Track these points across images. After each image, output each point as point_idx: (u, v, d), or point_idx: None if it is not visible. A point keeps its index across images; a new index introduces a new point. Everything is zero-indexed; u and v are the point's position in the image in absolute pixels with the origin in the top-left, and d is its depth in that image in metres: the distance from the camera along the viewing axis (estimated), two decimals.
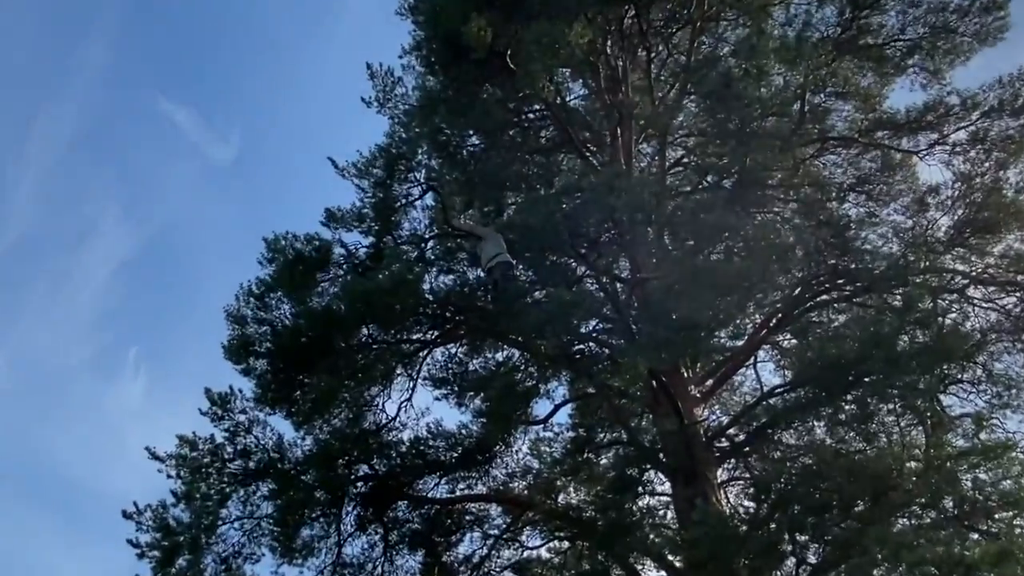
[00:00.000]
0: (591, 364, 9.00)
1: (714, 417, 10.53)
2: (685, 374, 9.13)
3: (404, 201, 10.21)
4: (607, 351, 9.06)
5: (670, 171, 11.16)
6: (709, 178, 10.24)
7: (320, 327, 8.41)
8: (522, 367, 10.75)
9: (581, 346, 9.30)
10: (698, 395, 9.25)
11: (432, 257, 10.35)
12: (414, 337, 9.59)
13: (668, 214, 8.83)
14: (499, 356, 11.23)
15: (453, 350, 10.70)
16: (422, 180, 10.18)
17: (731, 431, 9.64)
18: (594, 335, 9.37)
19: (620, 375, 7.96)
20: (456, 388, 10.54)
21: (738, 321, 8.69)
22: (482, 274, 9.33)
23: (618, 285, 9.91)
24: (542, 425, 10.42)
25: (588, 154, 10.70)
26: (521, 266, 9.79)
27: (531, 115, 11.85)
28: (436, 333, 9.86)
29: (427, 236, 10.41)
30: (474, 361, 10.96)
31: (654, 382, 8.62)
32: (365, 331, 8.91)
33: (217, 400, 8.90)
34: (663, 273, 8.45)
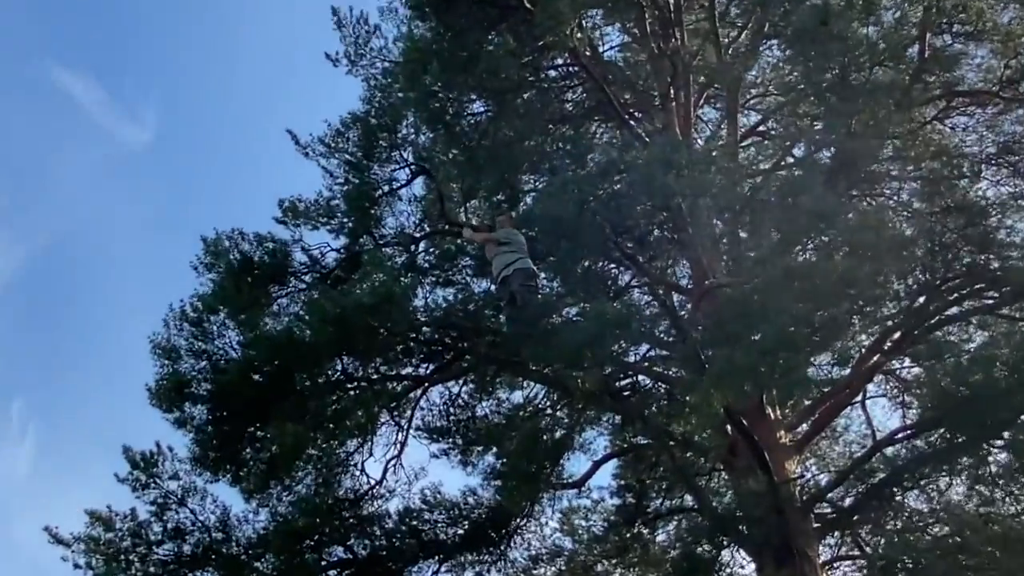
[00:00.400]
0: (644, 404, 9.10)
1: (812, 474, 10.53)
2: (772, 415, 9.11)
3: (387, 188, 10.32)
4: (665, 385, 9.09)
5: (744, 142, 11.20)
6: (798, 150, 10.26)
7: (278, 360, 8.37)
8: (549, 411, 10.93)
9: (629, 379, 9.40)
10: (790, 443, 9.21)
11: (425, 264, 10.44)
12: (403, 372, 9.63)
13: (744, 199, 8.80)
14: (517, 396, 11.40)
15: (455, 389, 10.82)
16: (410, 160, 10.26)
17: (835, 493, 9.56)
18: (647, 364, 9.38)
19: (685, 417, 7.86)
20: (460, 441, 10.68)
21: (842, 342, 8.63)
22: (493, 286, 9.45)
23: (677, 296, 9.91)
24: (577, 489, 10.50)
25: (632, 122, 10.77)
26: (545, 274, 9.86)
27: (554, 72, 12.05)
28: (432, 366, 9.90)
29: (418, 235, 10.49)
30: (483, 404, 11.15)
31: (730, 426, 8.64)
32: (338, 365, 8.89)
33: (139, 462, 8.91)
34: (739, 278, 8.44)
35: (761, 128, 11.85)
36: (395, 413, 10.05)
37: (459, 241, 10.59)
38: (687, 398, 7.94)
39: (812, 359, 8.40)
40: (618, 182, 9.38)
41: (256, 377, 8.54)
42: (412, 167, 10.31)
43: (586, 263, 9.83)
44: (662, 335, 9.40)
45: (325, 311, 8.14)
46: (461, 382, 10.88)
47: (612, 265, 10.34)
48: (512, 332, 9.06)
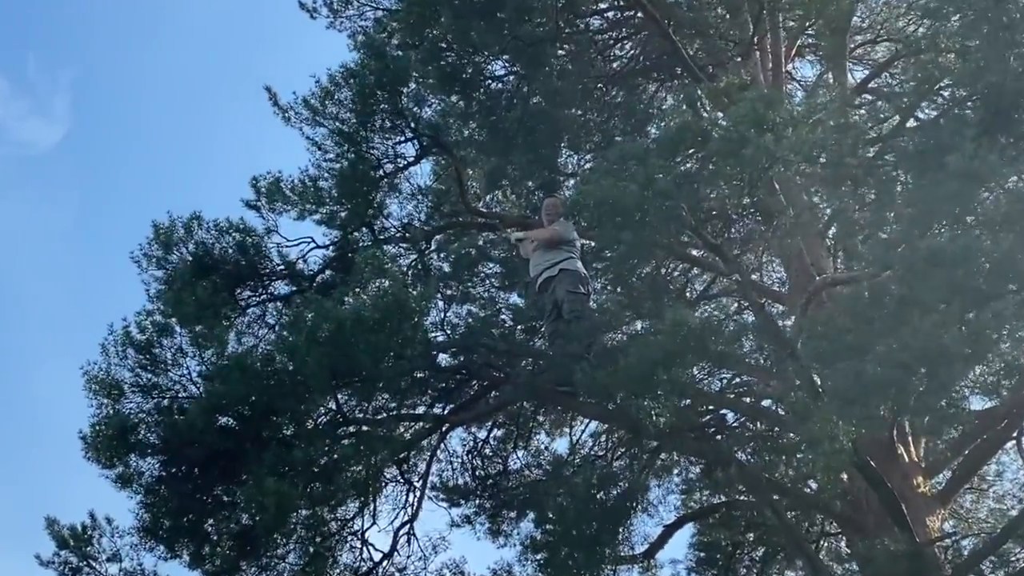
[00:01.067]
0: (736, 445, 8.87)
1: (958, 535, 10.30)
2: (906, 455, 9.00)
3: (390, 167, 10.45)
4: (763, 419, 8.96)
5: (859, 97, 11.23)
6: (934, 103, 10.14)
7: (252, 396, 8.31)
8: (606, 460, 10.96)
9: (715, 412, 9.32)
10: (931, 494, 9.07)
11: (441, 267, 10.62)
12: (415, 412, 9.66)
13: (865, 165, 8.70)
14: (563, 444, 11.61)
15: (481, 434, 10.96)
16: (420, 130, 10.31)
17: (992, 558, 9.37)
18: (739, 390, 9.23)
19: (801, 459, 7.79)
20: (489, 504, 10.76)
21: (998, 356, 8.45)
22: (529, 293, 9.59)
23: (775, 302, 9.90)
24: (643, 563, 10.44)
25: (703, 77, 10.65)
26: (598, 277, 9.76)
27: (597, 19, 12.15)
28: (451, 405, 9.97)
29: (431, 227, 10.67)
30: (518, 453, 11.30)
31: (848, 473, 8.52)
32: (331, 402, 8.84)
33: (69, 539, 8.77)
34: (861, 271, 8.30)
35: (873, 85, 11.82)
36: (405, 467, 10.01)
37: (487, 237, 10.76)
38: (799, 433, 7.80)
39: (959, 379, 8.16)
40: (693, 153, 9.45)
41: (222, 420, 8.49)
42: (422, 140, 10.35)
43: (651, 261, 9.75)
44: (757, 355, 9.27)
45: (314, 331, 8.05)
46: (490, 425, 10.97)
47: (686, 265, 10.28)
48: (557, 355, 9.05)
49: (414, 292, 8.70)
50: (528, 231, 9.87)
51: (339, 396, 8.94)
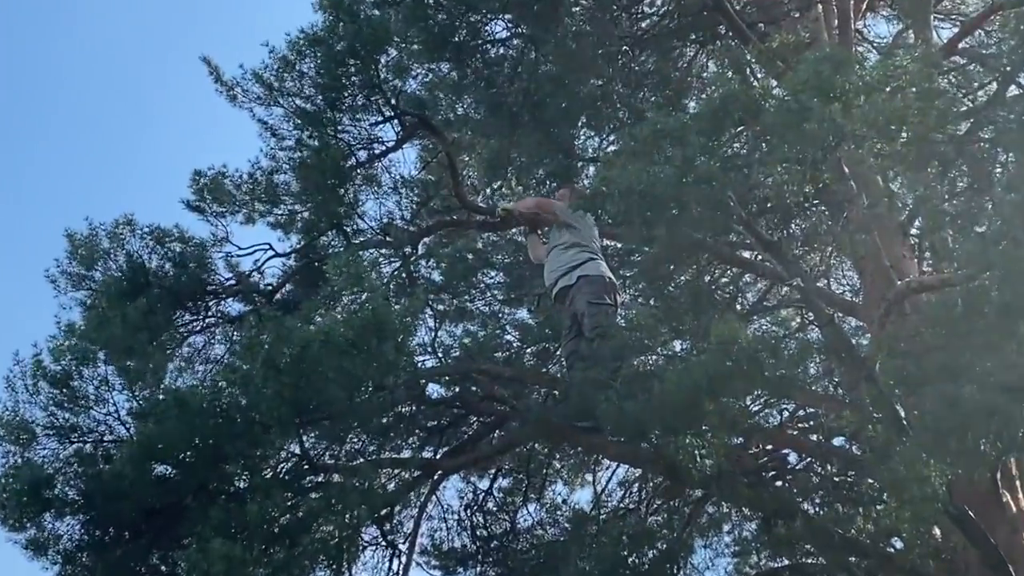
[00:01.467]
0: (799, 491, 8.95)
1: None
2: (1012, 504, 8.83)
3: (364, 155, 10.51)
4: (834, 461, 8.86)
5: (947, 60, 11.09)
6: None
7: (194, 439, 8.09)
8: (640, 512, 10.96)
9: (774, 452, 9.29)
10: None
11: (430, 277, 10.74)
12: (400, 456, 9.62)
13: (955, 142, 8.62)
14: (584, 495, 11.96)
15: (483, 482, 11.10)
16: (401, 108, 10.28)
17: None
18: (804, 425, 9.24)
19: (874, 508, 7.66)
20: (494, 570, 10.77)
21: None
22: (543, 307, 9.65)
23: (846, 313, 9.78)
24: None
25: (753, 37, 10.55)
26: (627, 286, 9.57)
27: None
28: (444, 447, 9.97)
29: (418, 228, 10.71)
30: (529, 507, 11.35)
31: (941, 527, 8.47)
32: (294, 446, 8.74)
33: None
34: (952, 274, 8.09)
35: (964, 45, 11.63)
36: (388, 526, 9.84)
37: (488, 239, 10.84)
38: (880, 476, 7.65)
39: None
40: (742, 130, 9.31)
41: (161, 468, 8.30)
42: (404, 120, 10.31)
43: (694, 267, 9.56)
44: (826, 380, 9.05)
45: (272, 352, 7.90)
46: (493, 472, 11.00)
47: (736, 270, 10.12)
48: (576, 382, 8.87)
49: (397, 306, 8.64)
50: (523, 202, 9.96)
51: (304, 437, 8.82)
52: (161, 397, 8.53)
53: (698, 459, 8.24)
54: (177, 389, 8.47)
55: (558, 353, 10.09)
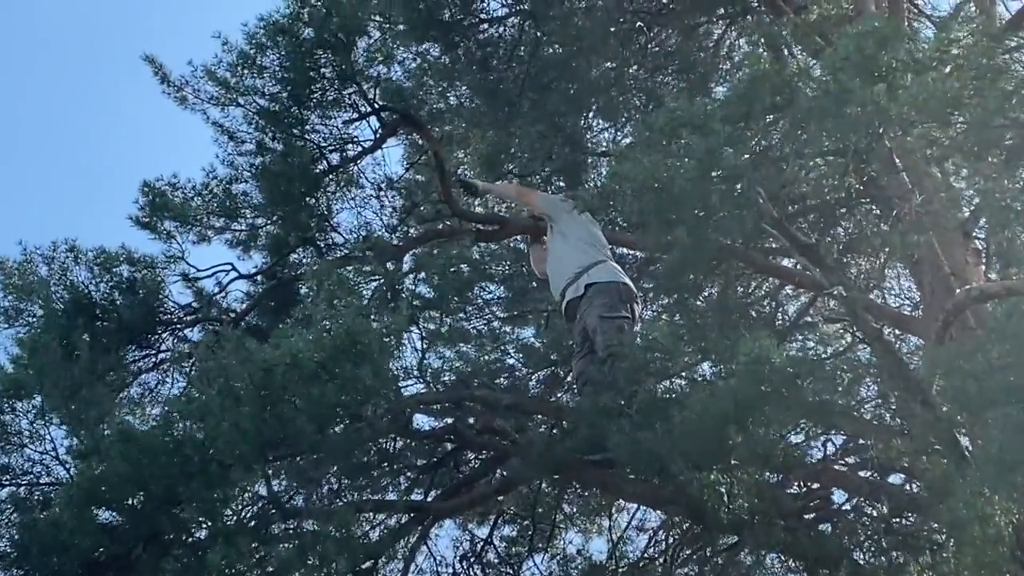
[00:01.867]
0: (847, 535, 8.89)
1: None
2: None
3: (338, 158, 10.52)
4: (886, 499, 8.80)
5: (1012, 35, 10.99)
6: None
7: (147, 482, 8.06)
8: (665, 562, 10.90)
9: (817, 490, 9.18)
10: None
11: (416, 291, 10.61)
12: (384, 499, 9.69)
13: (1022, 128, 8.49)
14: (599, 544, 11.65)
15: (481, 529, 11.12)
16: (378, 104, 10.30)
17: None
18: (851, 458, 9.27)
19: (932, 552, 7.79)
20: None
21: None
22: (552, 326, 9.67)
23: (899, 327, 9.82)
24: None
25: (788, 9, 10.68)
26: (648, 302, 9.54)
27: None
28: (436, 489, 10.01)
29: (404, 239, 10.78)
30: (536, 557, 11.35)
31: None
32: (259, 487, 8.72)
33: None
34: (1021, 280, 8.23)
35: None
36: None
37: (486, 250, 10.93)
38: (938, 515, 7.61)
39: None
40: (775, 118, 9.34)
41: (106, 515, 8.30)
42: (383, 116, 10.34)
43: (719, 276, 9.56)
44: (875, 405, 9.06)
45: (230, 379, 7.94)
46: (493, 518, 10.98)
47: (772, 281, 10.12)
48: (589, 411, 8.79)
49: (377, 324, 8.64)
50: (503, 187, 10.19)
51: (272, 477, 8.92)
52: (106, 433, 8.58)
53: (726, 499, 8.25)
54: (124, 423, 8.39)
55: (569, 379, 10.01)
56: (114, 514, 8.29)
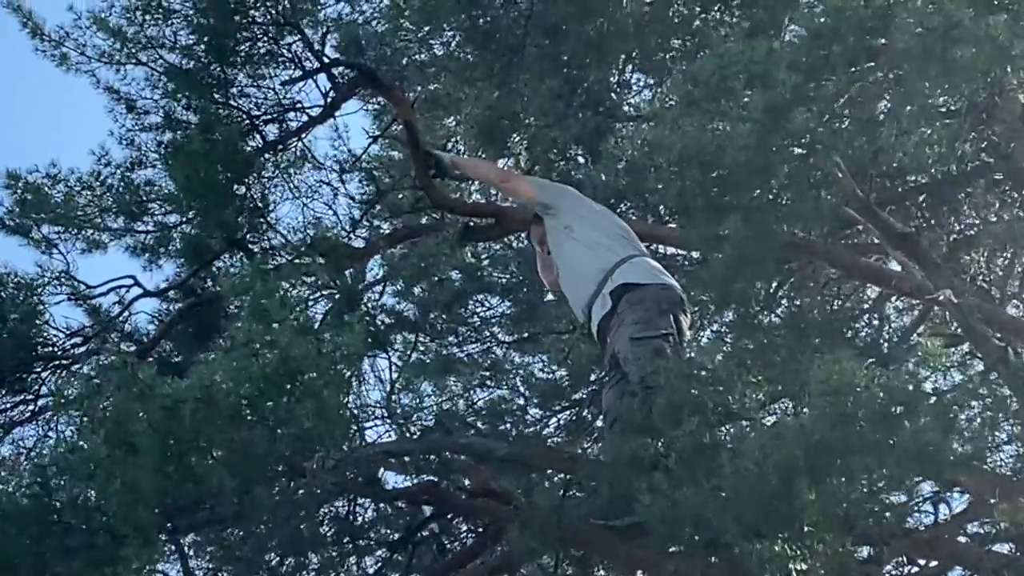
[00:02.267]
0: None
1: None
2: None
3: (276, 132, 10.68)
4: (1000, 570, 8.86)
5: None
6: None
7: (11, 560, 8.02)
8: None
9: (927, 569, 9.44)
10: None
11: (385, 305, 10.89)
12: None
13: None
14: None
15: None
16: (329, 59, 10.54)
17: None
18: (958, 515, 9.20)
19: None
20: None
21: None
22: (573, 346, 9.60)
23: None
24: None
25: None
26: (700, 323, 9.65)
27: None
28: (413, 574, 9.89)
29: (362, 238, 10.95)
30: None
31: None
32: (172, 561, 8.69)
33: None
34: None
35: None
36: None
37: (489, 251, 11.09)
38: None
39: None
40: (857, 66, 9.23)
41: None
42: (336, 74, 10.53)
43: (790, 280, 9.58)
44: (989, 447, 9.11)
45: (120, 423, 7.90)
46: None
47: (858, 283, 10.15)
48: (613, 462, 8.71)
49: (327, 345, 8.56)
50: (477, 164, 10.29)
51: (186, 553, 8.85)
52: None
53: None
54: None
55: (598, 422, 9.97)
56: None
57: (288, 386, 8.04)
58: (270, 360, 7.98)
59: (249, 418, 7.94)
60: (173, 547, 8.50)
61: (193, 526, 8.67)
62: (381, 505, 9.74)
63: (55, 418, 10.15)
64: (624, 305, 8.83)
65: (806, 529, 7.88)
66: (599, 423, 9.92)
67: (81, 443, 8.29)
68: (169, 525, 8.31)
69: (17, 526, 8.08)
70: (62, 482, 8.20)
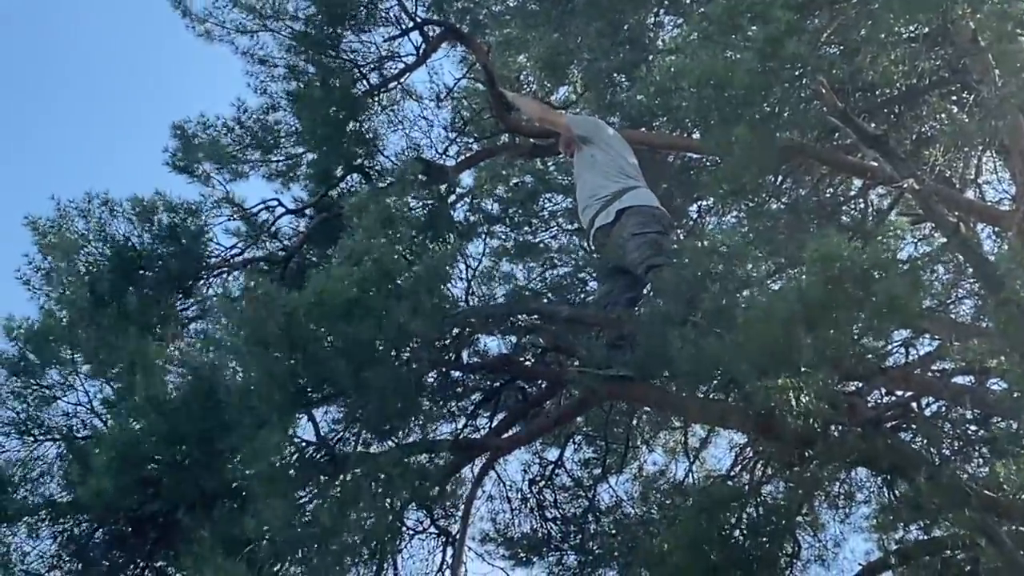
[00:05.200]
0: (929, 442, 9.00)
1: None
2: None
3: (377, 79, 10.63)
4: (968, 404, 8.95)
5: None
6: None
7: (179, 442, 8.22)
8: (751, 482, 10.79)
9: (895, 397, 9.23)
10: None
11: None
12: (437, 439, 9.33)
13: None
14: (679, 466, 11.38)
15: (550, 452, 10.87)
16: (419, 18, 10.43)
17: None
18: (930, 362, 9.18)
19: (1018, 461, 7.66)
20: (574, 556, 10.79)
21: None
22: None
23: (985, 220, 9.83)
24: None
25: None
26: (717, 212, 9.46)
27: None
28: (499, 414, 9.96)
29: (451, 162, 10.70)
30: (614, 480, 11.19)
31: None
32: (303, 434, 8.64)
33: None
34: None
35: None
36: (437, 509, 9.83)
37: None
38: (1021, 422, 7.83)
39: None
40: (843, 3, 9.09)
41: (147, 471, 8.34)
42: (427, 30, 10.46)
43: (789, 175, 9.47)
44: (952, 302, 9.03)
45: (255, 326, 8.01)
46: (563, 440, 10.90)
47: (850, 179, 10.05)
48: (650, 319, 8.68)
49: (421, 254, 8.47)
50: (532, 104, 10.02)
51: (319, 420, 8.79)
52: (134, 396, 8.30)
53: (796, 405, 8.18)
54: (153, 382, 8.22)
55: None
56: (155, 470, 8.31)
57: (386, 289, 8.06)
58: (368, 269, 7.98)
59: (356, 315, 7.92)
60: (306, 417, 8.49)
61: (321, 402, 8.61)
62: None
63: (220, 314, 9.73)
64: (626, 217, 8.90)
65: (803, 368, 7.88)
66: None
67: (228, 342, 8.35)
68: (301, 403, 8.29)
69: (186, 409, 8.20)
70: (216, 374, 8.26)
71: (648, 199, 9.01)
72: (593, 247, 9.33)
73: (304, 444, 8.61)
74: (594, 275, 11.02)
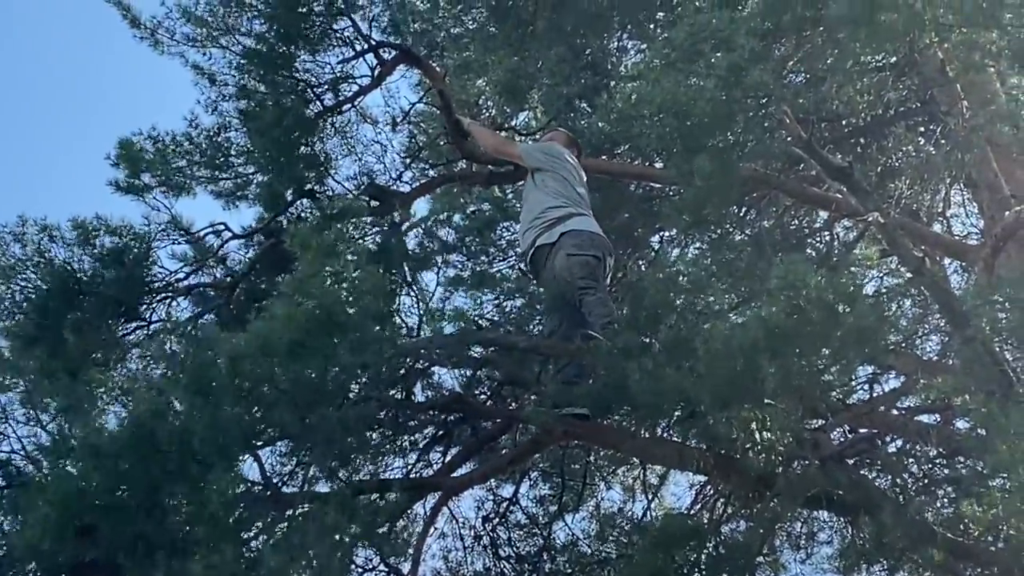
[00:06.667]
0: (891, 478, 8.96)
1: None
2: None
3: (330, 99, 10.57)
4: (931, 440, 8.77)
5: None
6: None
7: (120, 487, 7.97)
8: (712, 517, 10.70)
9: (857, 433, 9.04)
10: None
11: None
12: (386, 478, 9.48)
13: None
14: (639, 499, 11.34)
15: (504, 489, 10.87)
16: (374, 40, 10.44)
17: None
18: (894, 397, 9.11)
19: (980, 498, 7.56)
20: None
21: None
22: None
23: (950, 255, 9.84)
24: None
25: None
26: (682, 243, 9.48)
27: None
28: (446, 458, 9.90)
29: (406, 188, 10.69)
30: (569, 518, 11.14)
31: None
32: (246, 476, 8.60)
33: None
34: None
35: None
36: (385, 547, 9.42)
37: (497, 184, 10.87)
38: (982, 459, 7.67)
39: None
40: (805, 29, 9.12)
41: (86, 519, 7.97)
42: (382, 52, 10.49)
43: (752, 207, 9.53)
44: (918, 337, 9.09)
45: (194, 376, 7.94)
46: (518, 478, 10.94)
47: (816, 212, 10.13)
48: (609, 351, 8.63)
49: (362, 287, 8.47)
50: (483, 130, 10.10)
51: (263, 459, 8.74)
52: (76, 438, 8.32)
53: (759, 439, 8.21)
54: (90, 427, 8.05)
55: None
56: (95, 516, 7.91)
57: (328, 328, 7.96)
58: (311, 310, 7.89)
59: (301, 356, 7.91)
60: (253, 459, 8.44)
61: (266, 444, 8.61)
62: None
63: (166, 340, 9.67)
64: (565, 239, 9.07)
65: (766, 400, 7.91)
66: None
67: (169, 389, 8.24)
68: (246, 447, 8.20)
69: (129, 457, 8.17)
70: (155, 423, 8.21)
71: (589, 226, 9.18)
72: (527, 268, 9.51)
73: (250, 484, 8.59)
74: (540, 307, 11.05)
